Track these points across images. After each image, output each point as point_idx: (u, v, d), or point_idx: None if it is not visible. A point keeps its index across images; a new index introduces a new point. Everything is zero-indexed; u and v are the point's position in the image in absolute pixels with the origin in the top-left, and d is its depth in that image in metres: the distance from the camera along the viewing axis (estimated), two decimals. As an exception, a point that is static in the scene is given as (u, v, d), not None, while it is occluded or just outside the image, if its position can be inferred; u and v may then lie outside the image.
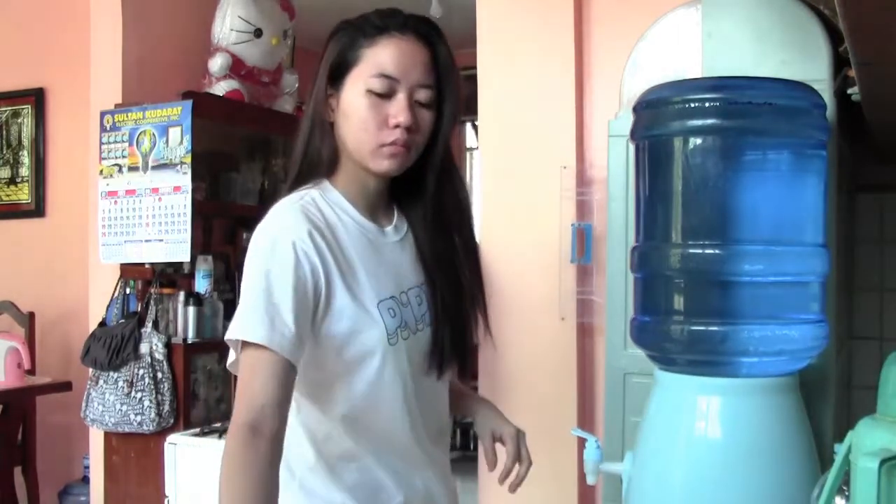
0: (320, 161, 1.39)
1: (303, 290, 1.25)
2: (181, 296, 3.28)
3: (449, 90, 1.37)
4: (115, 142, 3.36)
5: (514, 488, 1.42)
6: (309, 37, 4.80)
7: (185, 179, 3.21)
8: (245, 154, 3.96)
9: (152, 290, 3.26)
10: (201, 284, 3.35)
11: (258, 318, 1.23)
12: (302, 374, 1.28)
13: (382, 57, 1.32)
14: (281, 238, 1.28)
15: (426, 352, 1.38)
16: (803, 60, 1.63)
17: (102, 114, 3.39)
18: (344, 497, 1.34)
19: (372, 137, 1.32)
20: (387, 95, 1.32)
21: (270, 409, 1.20)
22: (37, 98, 4.15)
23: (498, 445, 1.47)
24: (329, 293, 1.28)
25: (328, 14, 5.22)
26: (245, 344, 1.23)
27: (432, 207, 1.41)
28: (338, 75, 1.35)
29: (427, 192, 1.40)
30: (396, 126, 1.31)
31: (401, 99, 1.32)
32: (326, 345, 1.30)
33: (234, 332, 1.25)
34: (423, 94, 1.33)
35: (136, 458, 3.22)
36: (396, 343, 1.32)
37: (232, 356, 1.28)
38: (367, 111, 1.32)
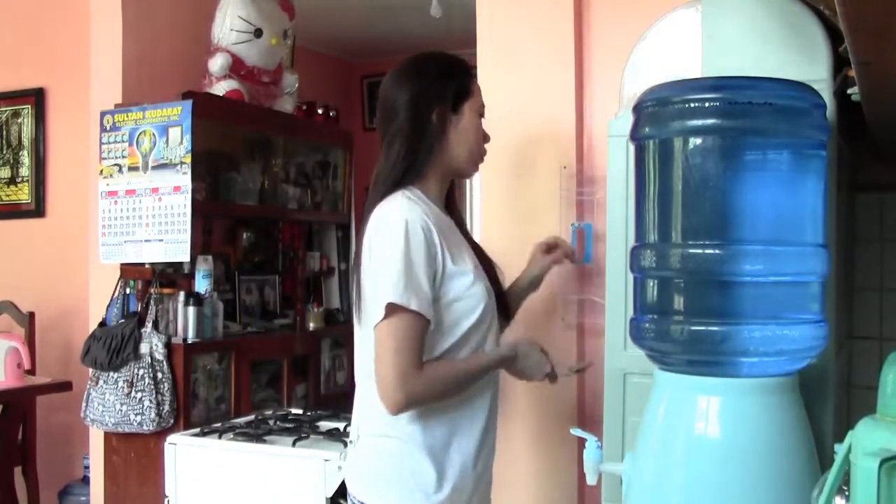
0: (415, 166, 1.80)
1: (432, 261, 1.70)
2: (181, 296, 3.28)
3: None
4: (115, 142, 3.36)
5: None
6: (309, 37, 4.81)
7: (185, 179, 3.21)
8: (245, 154, 3.96)
9: (152, 290, 3.26)
10: (201, 284, 3.35)
11: (407, 288, 1.65)
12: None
13: (478, 91, 1.88)
14: (411, 222, 1.69)
15: (494, 312, 1.84)
16: (803, 60, 1.63)
17: (102, 114, 3.39)
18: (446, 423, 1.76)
19: (482, 147, 1.89)
20: (482, 118, 1.89)
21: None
22: (37, 98, 4.16)
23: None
24: (445, 264, 1.72)
25: (328, 14, 5.23)
26: (395, 308, 1.65)
27: (453, 202, 1.94)
28: (459, 102, 1.83)
29: (453, 192, 1.94)
30: (488, 140, 1.90)
31: (484, 121, 1.90)
32: (443, 299, 1.72)
33: (396, 298, 1.65)
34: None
35: (136, 458, 3.23)
36: (490, 297, 1.80)
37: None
38: (480, 130, 1.87)
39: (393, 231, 1.68)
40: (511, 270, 2.54)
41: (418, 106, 1.79)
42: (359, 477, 1.80)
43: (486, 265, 1.89)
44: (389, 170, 1.79)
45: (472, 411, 1.80)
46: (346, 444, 2.21)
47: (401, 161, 1.78)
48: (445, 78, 1.83)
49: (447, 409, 1.76)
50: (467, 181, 2.42)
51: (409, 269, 1.66)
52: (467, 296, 1.74)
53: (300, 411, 2.82)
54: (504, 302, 1.94)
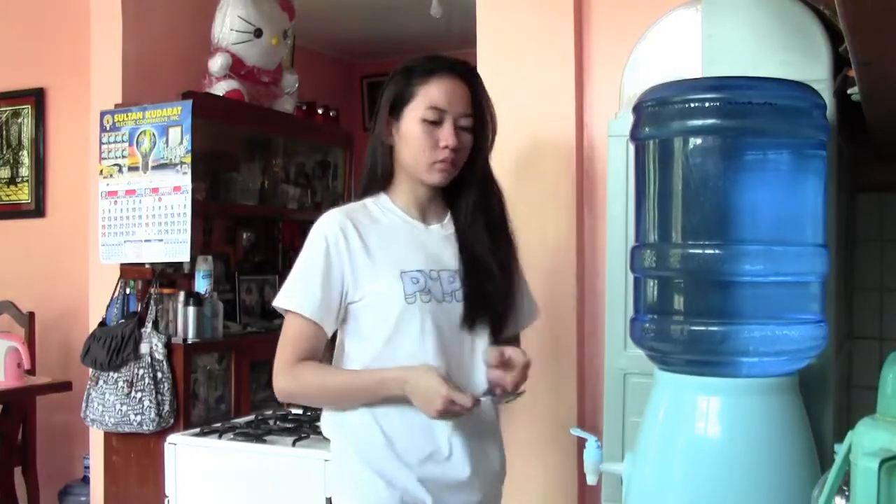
0: (378, 176, 1.79)
1: (329, 270, 1.69)
2: (181, 296, 3.28)
3: (484, 118, 1.77)
4: (115, 142, 3.36)
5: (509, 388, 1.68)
6: (309, 37, 4.81)
7: (185, 179, 3.21)
8: (245, 154, 3.96)
9: (152, 290, 3.26)
10: (201, 284, 3.35)
11: (293, 292, 1.71)
12: (344, 330, 1.74)
13: (434, 93, 1.72)
14: (318, 230, 1.73)
15: (454, 321, 1.72)
16: (803, 60, 1.63)
17: (102, 114, 3.39)
18: (383, 436, 1.69)
19: (428, 156, 1.72)
20: (437, 123, 1.71)
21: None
22: (37, 98, 4.15)
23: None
24: (354, 271, 1.70)
25: (328, 14, 5.23)
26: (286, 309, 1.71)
27: (473, 209, 1.79)
28: (398, 107, 1.74)
29: (470, 197, 1.79)
30: (445, 147, 1.71)
31: (448, 126, 1.71)
32: (359, 303, 1.70)
33: (278, 301, 1.73)
34: (465, 122, 1.73)
35: (136, 458, 3.22)
36: (414, 303, 1.68)
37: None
38: (424, 137, 1.71)
39: (307, 239, 1.75)
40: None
41: (377, 112, 1.79)
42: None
43: (472, 269, 1.75)
44: (362, 177, 1.84)
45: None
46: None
47: (367, 168, 1.82)
48: (391, 81, 1.78)
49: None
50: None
51: (302, 274, 1.72)
52: (378, 301, 1.70)
53: (300, 411, 2.81)
54: (481, 308, 1.75)
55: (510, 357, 1.67)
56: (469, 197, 1.79)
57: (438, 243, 1.78)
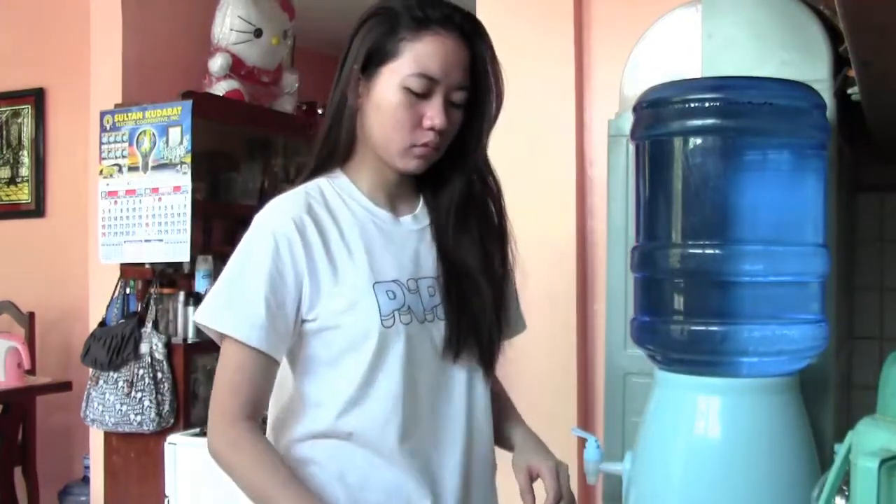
0: (340, 148, 1.36)
1: (279, 278, 1.26)
2: (181, 296, 3.28)
3: (487, 91, 1.35)
4: (115, 142, 3.35)
5: None
6: (309, 37, 4.81)
7: (185, 179, 3.21)
8: (245, 154, 3.96)
9: (152, 290, 3.26)
10: (201, 284, 3.35)
11: (227, 306, 1.27)
12: (293, 361, 1.32)
13: (425, 55, 1.28)
14: (263, 225, 1.30)
15: (438, 344, 1.33)
16: (803, 60, 1.63)
17: (102, 114, 3.39)
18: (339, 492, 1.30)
19: (405, 137, 1.30)
20: (424, 95, 1.28)
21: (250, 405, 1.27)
22: (37, 98, 4.15)
23: (538, 482, 1.39)
24: (313, 281, 1.27)
25: (328, 14, 5.24)
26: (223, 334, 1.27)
27: (458, 206, 1.38)
28: (373, 63, 1.30)
29: (456, 191, 1.38)
30: (431, 128, 1.29)
31: (437, 101, 1.29)
32: (318, 326, 1.28)
33: (202, 317, 1.28)
34: (458, 96, 1.31)
35: (136, 458, 3.22)
36: (393, 325, 1.28)
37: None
38: (403, 110, 1.28)
39: (246, 234, 1.32)
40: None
41: (344, 58, 1.36)
42: None
43: (454, 278, 1.36)
44: (316, 147, 1.39)
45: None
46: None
47: (325, 135, 1.37)
48: (369, 23, 1.32)
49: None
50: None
51: (239, 283, 1.27)
52: (345, 326, 1.27)
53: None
54: (479, 341, 1.37)
55: (539, 470, 1.37)
56: (454, 188, 1.38)
57: (413, 243, 1.37)
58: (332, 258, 1.29)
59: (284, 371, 1.33)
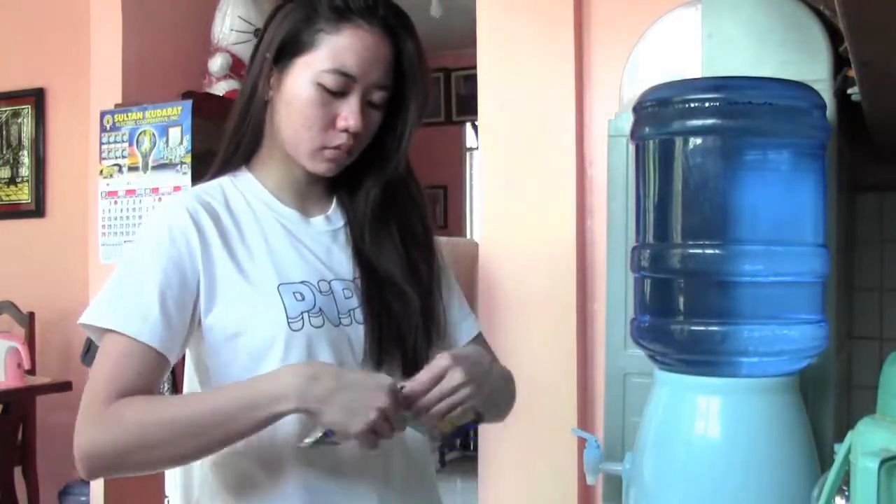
0: (245, 144, 1.27)
1: (174, 270, 1.16)
2: (181, 296, 3.28)
3: (415, 92, 1.24)
4: (115, 142, 3.35)
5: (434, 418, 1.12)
6: (309, 37, 4.82)
7: (185, 179, 3.21)
8: (245, 154, 3.96)
9: (152, 290, 3.26)
10: (201, 284, 3.35)
11: (109, 302, 1.17)
12: (205, 373, 1.23)
13: (343, 50, 1.18)
14: (157, 219, 1.21)
15: (357, 351, 1.21)
16: (803, 60, 1.63)
17: (102, 114, 3.39)
18: None
19: (315, 137, 1.20)
20: (339, 93, 1.19)
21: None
22: (37, 98, 4.15)
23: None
24: (210, 278, 1.17)
25: (328, 14, 5.18)
26: (105, 330, 1.15)
27: (375, 211, 1.27)
28: (287, 53, 1.21)
29: (371, 197, 1.27)
30: (345, 130, 1.19)
31: (354, 100, 1.19)
32: (222, 333, 1.18)
33: (86, 317, 1.16)
34: (377, 95, 1.21)
35: (136, 458, 3.22)
36: (302, 328, 1.17)
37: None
38: (315, 108, 1.19)
39: (140, 230, 1.25)
40: (510, 270, 2.54)
41: (257, 47, 1.28)
42: None
43: (372, 279, 1.25)
44: (223, 143, 1.30)
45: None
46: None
47: (232, 130, 1.29)
48: (282, 7, 1.24)
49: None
50: (465, 180, 2.39)
51: (130, 279, 1.18)
52: (248, 329, 1.18)
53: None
54: (390, 333, 1.23)
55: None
56: (369, 193, 1.28)
57: (325, 243, 1.28)
58: (233, 259, 1.19)
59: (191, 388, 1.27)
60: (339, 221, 1.30)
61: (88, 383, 1.15)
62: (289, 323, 1.17)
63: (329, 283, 1.23)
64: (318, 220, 1.29)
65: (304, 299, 1.19)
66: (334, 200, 1.32)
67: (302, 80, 1.20)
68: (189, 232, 1.18)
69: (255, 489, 1.19)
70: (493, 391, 1.21)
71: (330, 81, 1.18)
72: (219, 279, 1.18)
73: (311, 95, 1.19)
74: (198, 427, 1.09)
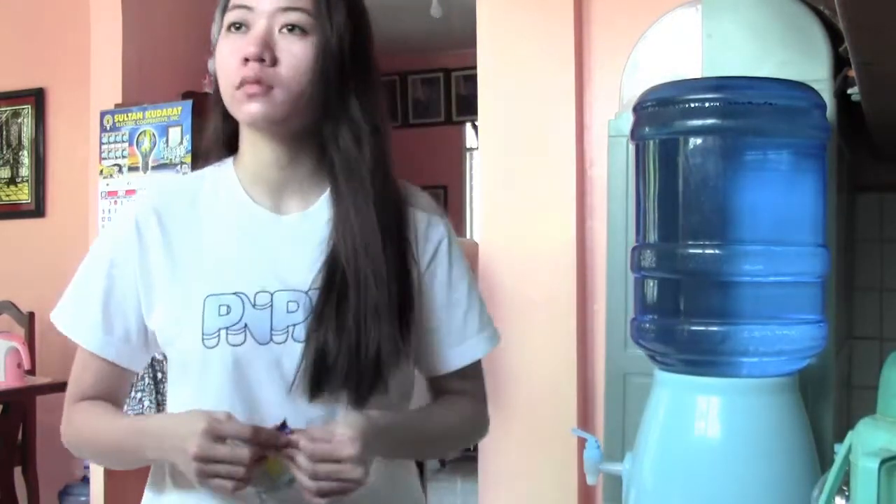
0: (221, 131, 1.21)
1: (117, 272, 1.16)
2: (181, 296, 3.28)
3: (332, 13, 1.12)
4: (115, 142, 3.36)
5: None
6: (309, 37, 4.81)
7: (185, 179, 3.21)
8: (245, 154, 3.96)
9: (152, 290, 3.26)
10: (201, 284, 3.35)
11: (67, 308, 1.21)
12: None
13: None
14: (114, 219, 1.22)
15: (284, 370, 1.08)
16: (803, 60, 1.63)
17: (102, 114, 3.39)
18: None
19: (230, 77, 1.09)
20: (245, 28, 1.10)
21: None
22: (37, 98, 4.15)
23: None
24: (148, 287, 1.14)
25: (328, 14, 5.17)
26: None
27: (346, 181, 1.12)
28: (222, 14, 1.15)
29: (335, 162, 1.13)
30: (245, 59, 1.07)
31: (254, 30, 1.09)
32: (161, 338, 1.15)
33: (52, 315, 1.23)
34: (289, 17, 1.09)
35: (136, 458, 3.22)
36: (217, 346, 1.08)
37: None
38: (228, 53, 1.10)
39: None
40: (511, 270, 2.54)
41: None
42: None
43: (331, 290, 1.10)
44: (203, 135, 1.26)
45: None
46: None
47: (208, 123, 1.23)
48: None
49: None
50: (465, 180, 2.40)
51: (80, 283, 1.22)
52: (172, 341, 1.14)
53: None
54: (332, 362, 1.07)
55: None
56: (333, 162, 1.14)
57: (290, 245, 1.14)
58: (173, 265, 1.13)
59: None
60: (321, 219, 1.14)
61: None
62: (203, 339, 1.09)
63: (271, 294, 1.11)
64: (290, 218, 1.16)
65: (228, 313, 1.09)
66: (324, 195, 1.17)
67: (222, 33, 1.13)
68: (130, 237, 1.16)
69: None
70: (428, 449, 1.32)
71: (231, 18, 1.11)
72: (155, 286, 1.14)
73: (223, 43, 1.12)
74: (108, 448, 1.18)
